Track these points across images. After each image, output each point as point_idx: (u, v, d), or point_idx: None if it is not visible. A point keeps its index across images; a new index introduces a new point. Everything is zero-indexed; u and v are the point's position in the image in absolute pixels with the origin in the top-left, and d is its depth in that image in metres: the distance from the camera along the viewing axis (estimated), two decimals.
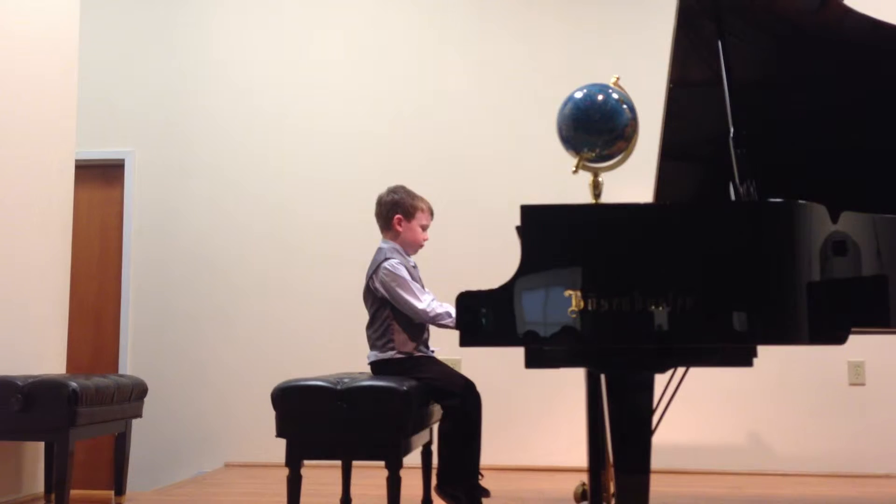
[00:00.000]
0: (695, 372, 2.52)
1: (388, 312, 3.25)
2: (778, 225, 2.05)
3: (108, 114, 5.62)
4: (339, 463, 3.47)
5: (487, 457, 3.21)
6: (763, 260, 2.03)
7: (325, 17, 5.59)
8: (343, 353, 4.36)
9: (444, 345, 3.38)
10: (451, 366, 3.32)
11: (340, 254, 5.24)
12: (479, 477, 3.17)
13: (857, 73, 2.81)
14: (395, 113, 5.44)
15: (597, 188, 2.53)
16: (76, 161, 4.53)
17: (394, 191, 3.44)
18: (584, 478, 3.13)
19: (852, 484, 4.52)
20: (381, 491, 2.96)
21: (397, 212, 3.38)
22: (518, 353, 2.12)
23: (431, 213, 3.48)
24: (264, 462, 5.01)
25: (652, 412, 2.09)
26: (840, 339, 2.06)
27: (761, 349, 2.09)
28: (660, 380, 2.13)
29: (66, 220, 4.41)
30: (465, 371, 3.37)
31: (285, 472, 2.97)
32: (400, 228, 3.37)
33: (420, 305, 3.17)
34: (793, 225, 2.05)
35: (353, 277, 3.64)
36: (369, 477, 3.55)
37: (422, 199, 3.45)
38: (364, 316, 3.35)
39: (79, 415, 3.46)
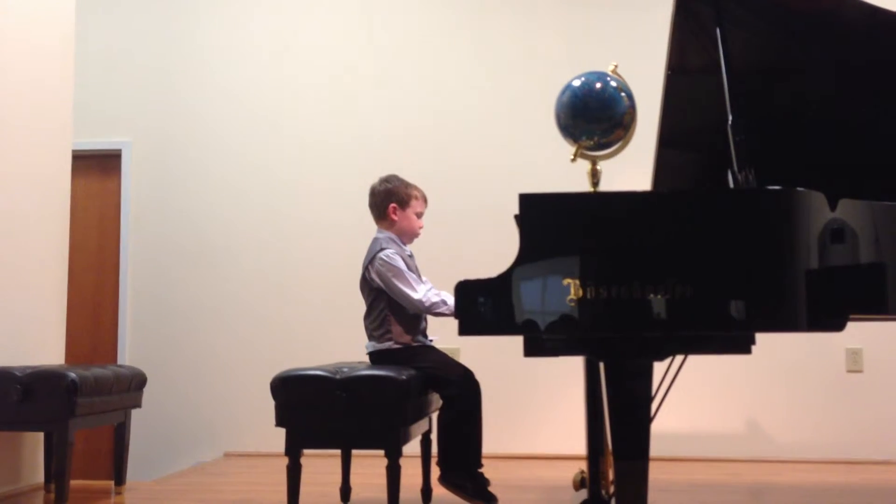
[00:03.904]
0: (693, 359, 2.52)
1: (385, 303, 3.24)
2: (776, 212, 2.05)
3: (106, 104, 5.60)
4: (338, 452, 3.47)
5: (486, 445, 3.21)
6: (761, 247, 2.03)
7: (322, 12, 5.57)
8: (342, 342, 4.35)
9: (442, 334, 3.38)
10: (450, 355, 3.32)
11: (338, 243, 5.23)
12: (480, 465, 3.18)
13: (855, 59, 2.81)
14: (391, 104, 5.42)
15: (595, 176, 2.53)
16: (73, 151, 4.51)
17: (387, 180, 3.43)
18: (584, 465, 3.14)
19: (850, 470, 4.53)
20: (381, 480, 2.97)
21: (392, 200, 3.37)
22: (517, 341, 2.12)
23: (426, 201, 3.46)
24: (264, 451, 5.02)
25: (650, 399, 2.10)
26: (838, 326, 2.06)
27: (759, 336, 2.09)
28: (658, 367, 2.13)
29: (64, 211, 4.40)
30: (464, 360, 3.37)
31: (285, 461, 2.97)
32: (395, 217, 3.37)
33: (415, 296, 3.17)
34: (791, 212, 2.05)
35: (351, 267, 3.64)
36: (369, 466, 3.55)
37: (415, 187, 3.44)
38: (362, 305, 3.35)
39: (78, 405, 3.46)
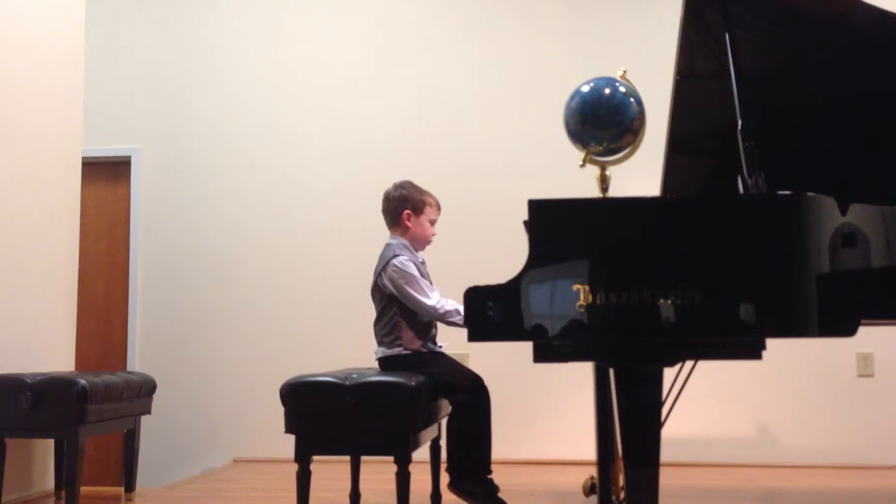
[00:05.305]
0: (703, 364, 2.51)
1: (396, 309, 3.24)
2: (787, 217, 2.04)
3: (115, 111, 5.63)
4: (348, 458, 3.47)
5: (495, 451, 3.20)
6: (772, 253, 2.02)
7: (330, 16, 5.59)
8: (351, 348, 4.36)
9: (451, 340, 3.38)
10: (459, 361, 3.32)
11: (348, 249, 5.24)
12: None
13: (864, 64, 2.80)
14: (399, 110, 5.44)
15: (604, 182, 2.52)
16: (83, 158, 4.53)
17: (401, 186, 3.43)
18: (593, 471, 3.13)
19: (861, 475, 4.51)
20: (391, 486, 2.97)
21: (406, 207, 3.37)
22: (526, 347, 2.12)
23: (439, 208, 3.47)
24: (273, 458, 5.02)
25: (661, 405, 2.09)
26: (850, 332, 2.05)
27: (769, 341, 2.08)
28: (668, 372, 2.12)
29: (74, 218, 4.41)
30: (473, 366, 3.36)
31: (294, 467, 2.97)
32: (409, 224, 3.37)
33: (429, 302, 3.17)
34: (802, 217, 2.04)
35: (362, 272, 3.64)
36: (378, 472, 3.55)
37: (429, 194, 3.44)
38: (372, 311, 3.35)
39: (88, 412, 3.47)
